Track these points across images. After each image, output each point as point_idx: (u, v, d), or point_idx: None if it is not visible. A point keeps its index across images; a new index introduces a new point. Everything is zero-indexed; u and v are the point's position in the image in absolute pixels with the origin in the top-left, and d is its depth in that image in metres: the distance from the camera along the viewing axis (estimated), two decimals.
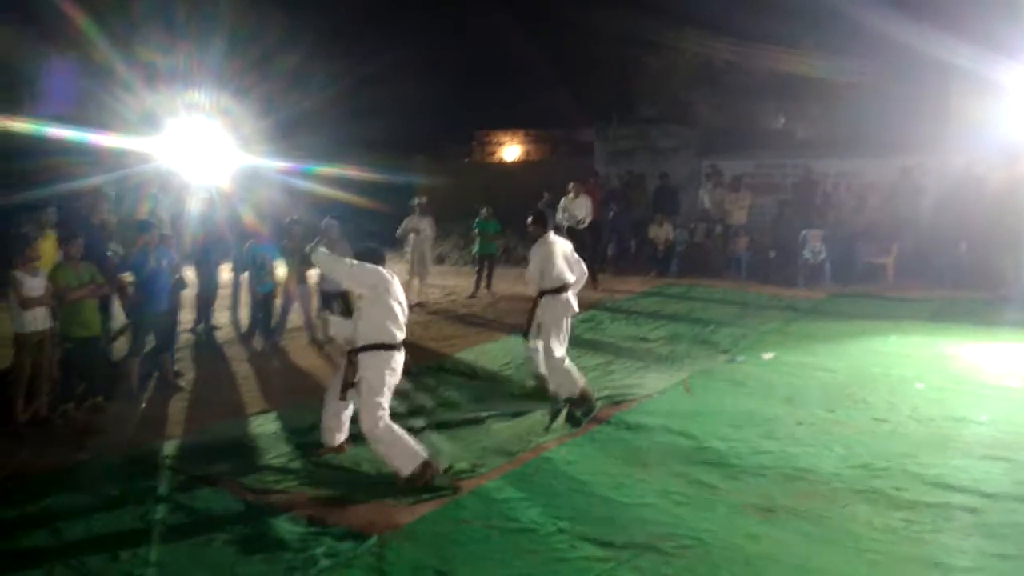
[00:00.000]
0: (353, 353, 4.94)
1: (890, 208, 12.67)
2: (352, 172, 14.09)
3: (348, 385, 4.95)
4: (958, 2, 11.71)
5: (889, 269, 11.86)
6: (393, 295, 4.92)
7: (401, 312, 4.98)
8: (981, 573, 3.72)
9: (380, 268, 4.99)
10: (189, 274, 8.25)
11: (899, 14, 11.82)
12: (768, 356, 7.75)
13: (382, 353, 4.88)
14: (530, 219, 6.63)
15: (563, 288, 6.37)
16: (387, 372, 4.88)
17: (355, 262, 5.00)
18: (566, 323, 6.43)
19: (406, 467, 4.75)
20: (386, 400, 4.90)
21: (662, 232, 13.27)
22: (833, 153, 14.15)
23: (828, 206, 13.15)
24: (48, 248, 6.81)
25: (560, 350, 6.30)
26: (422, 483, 4.71)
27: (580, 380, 6.29)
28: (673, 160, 15.27)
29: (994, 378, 6.91)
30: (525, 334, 6.65)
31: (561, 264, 6.40)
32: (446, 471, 4.93)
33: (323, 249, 5.50)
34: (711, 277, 12.53)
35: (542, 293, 6.37)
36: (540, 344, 6.44)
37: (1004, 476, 4.78)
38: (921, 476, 4.81)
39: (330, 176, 13.69)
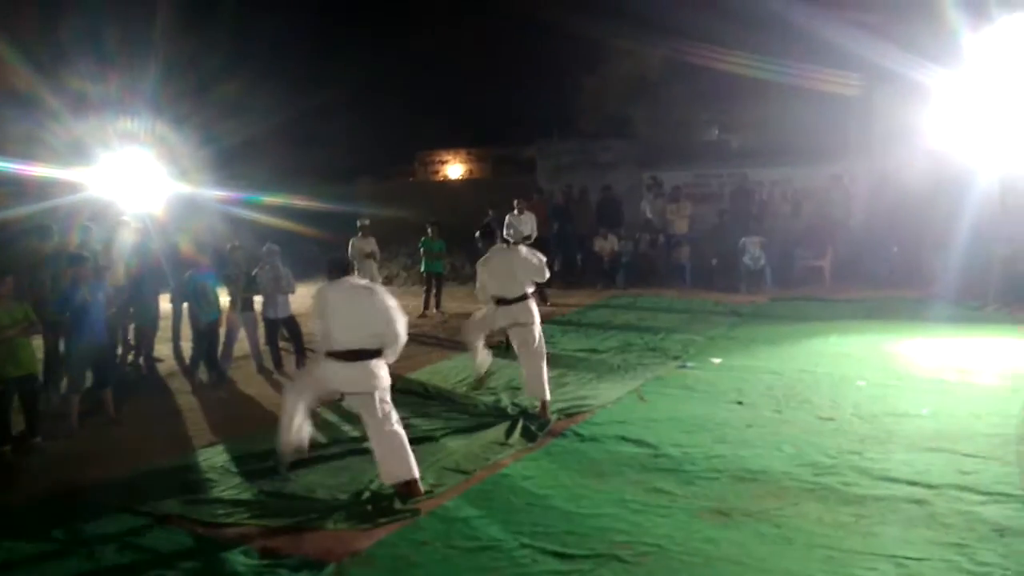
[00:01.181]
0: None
1: (823, 213, 13.10)
2: (295, 200, 13.95)
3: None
4: (881, 6, 12.18)
5: (826, 272, 12.24)
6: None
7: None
8: (930, 562, 3.83)
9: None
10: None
11: (826, 18, 12.18)
12: (716, 361, 7.90)
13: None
14: (478, 234, 6.70)
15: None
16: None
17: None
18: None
19: (398, 475, 4.80)
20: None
21: (607, 244, 13.44)
22: (767, 162, 14.57)
23: (765, 213, 13.52)
24: None
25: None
26: (405, 493, 4.78)
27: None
28: (614, 173, 15.51)
29: (931, 372, 7.16)
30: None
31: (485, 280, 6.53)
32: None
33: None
34: (657, 286, 12.74)
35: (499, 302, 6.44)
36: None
37: (946, 467, 4.94)
38: (867, 471, 4.94)
39: (272, 205, 13.53)
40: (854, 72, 13.59)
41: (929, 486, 4.66)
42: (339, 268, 5.07)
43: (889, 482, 4.76)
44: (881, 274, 11.58)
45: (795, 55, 14.14)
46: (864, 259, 12.10)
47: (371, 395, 4.83)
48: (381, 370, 4.91)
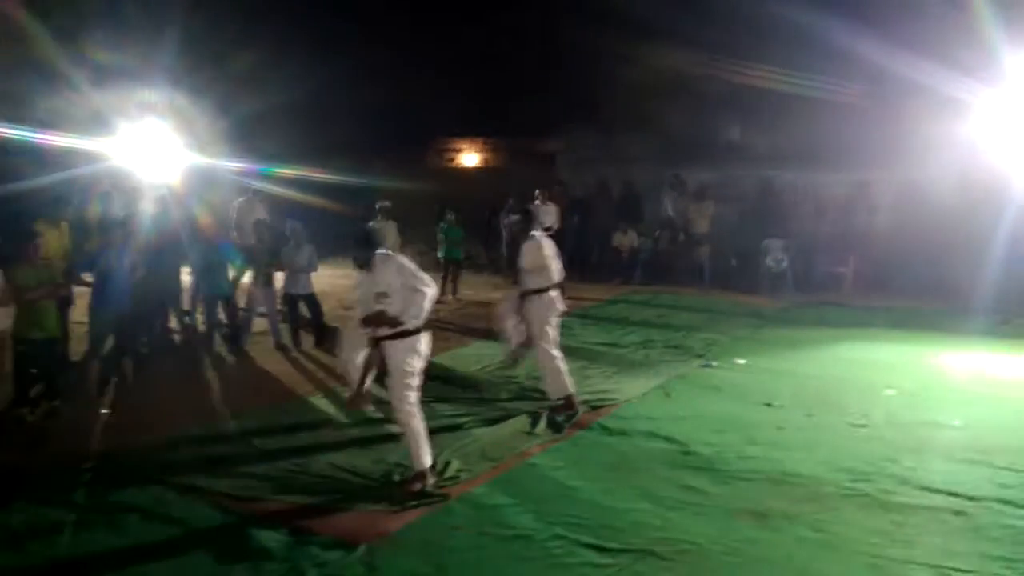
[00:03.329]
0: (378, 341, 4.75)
1: (847, 220, 12.97)
2: (312, 174, 13.82)
3: (381, 373, 4.84)
4: (916, 21, 12.03)
5: (848, 279, 12.11)
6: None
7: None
8: (976, 575, 3.74)
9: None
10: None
11: (858, 31, 12.07)
12: (741, 361, 7.79)
13: (409, 339, 4.71)
14: (517, 218, 6.56)
15: (548, 288, 6.26)
16: (412, 356, 4.72)
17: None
18: (555, 322, 6.33)
19: (416, 460, 4.70)
20: (414, 383, 4.76)
21: (626, 240, 13.33)
22: (792, 166, 14.41)
23: (788, 217, 13.39)
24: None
25: (554, 350, 6.25)
26: (412, 490, 4.58)
27: (571, 386, 6.22)
28: (636, 169, 15.36)
29: (961, 383, 7.06)
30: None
31: (550, 263, 6.26)
32: (436, 477, 4.79)
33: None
34: (675, 284, 12.61)
35: (525, 293, 6.26)
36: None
37: (985, 479, 4.84)
38: (905, 479, 4.85)
39: (289, 178, 13.39)
40: (884, 85, 13.46)
41: (970, 498, 4.56)
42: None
43: (928, 491, 4.66)
44: (905, 284, 11.45)
45: (824, 69, 14.04)
46: (888, 268, 11.97)
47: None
48: None
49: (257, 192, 10.66)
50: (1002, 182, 10.36)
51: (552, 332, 6.28)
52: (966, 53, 10.57)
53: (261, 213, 10.16)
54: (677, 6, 14.68)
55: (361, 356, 4.86)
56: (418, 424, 4.76)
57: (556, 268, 6.28)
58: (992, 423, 5.94)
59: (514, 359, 6.70)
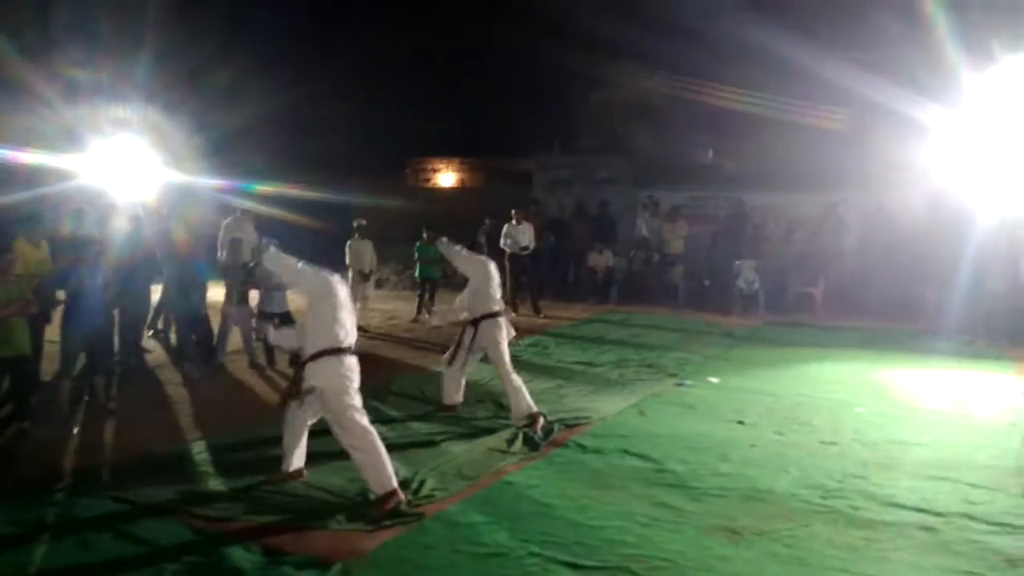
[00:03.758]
0: (301, 364, 4.79)
1: (817, 241, 13.21)
2: (289, 190, 13.78)
3: (294, 396, 4.81)
4: (883, 46, 12.38)
5: (818, 299, 12.31)
6: (338, 298, 4.81)
7: (347, 316, 4.85)
8: None
9: (323, 272, 4.90)
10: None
11: (828, 56, 12.37)
12: (714, 380, 7.89)
13: (331, 359, 4.73)
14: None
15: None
16: (342, 376, 4.73)
17: (301, 263, 4.93)
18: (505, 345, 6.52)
19: (377, 486, 4.64)
20: (356, 401, 4.76)
21: (602, 260, 13.44)
22: (762, 187, 14.66)
23: (759, 238, 13.60)
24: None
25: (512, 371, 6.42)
26: (383, 510, 4.56)
27: (532, 405, 6.30)
28: (609, 190, 15.53)
29: (928, 402, 7.21)
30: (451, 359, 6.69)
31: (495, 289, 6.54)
32: (411, 496, 4.78)
33: (272, 248, 5.19)
34: (649, 304, 12.74)
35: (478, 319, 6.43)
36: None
37: (952, 495, 4.94)
38: (874, 496, 4.93)
39: (266, 194, 13.32)
40: (851, 108, 13.77)
41: (937, 514, 4.64)
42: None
43: (896, 508, 4.74)
44: (873, 305, 11.67)
45: (793, 92, 14.35)
46: (857, 289, 12.20)
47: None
48: None
49: (246, 212, 10.58)
50: (968, 203, 10.62)
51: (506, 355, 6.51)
52: (930, 77, 10.88)
53: (249, 231, 10.08)
54: (651, 30, 14.95)
55: None
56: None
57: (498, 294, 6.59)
58: (959, 441, 6.07)
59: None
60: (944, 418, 6.72)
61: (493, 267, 6.68)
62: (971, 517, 4.59)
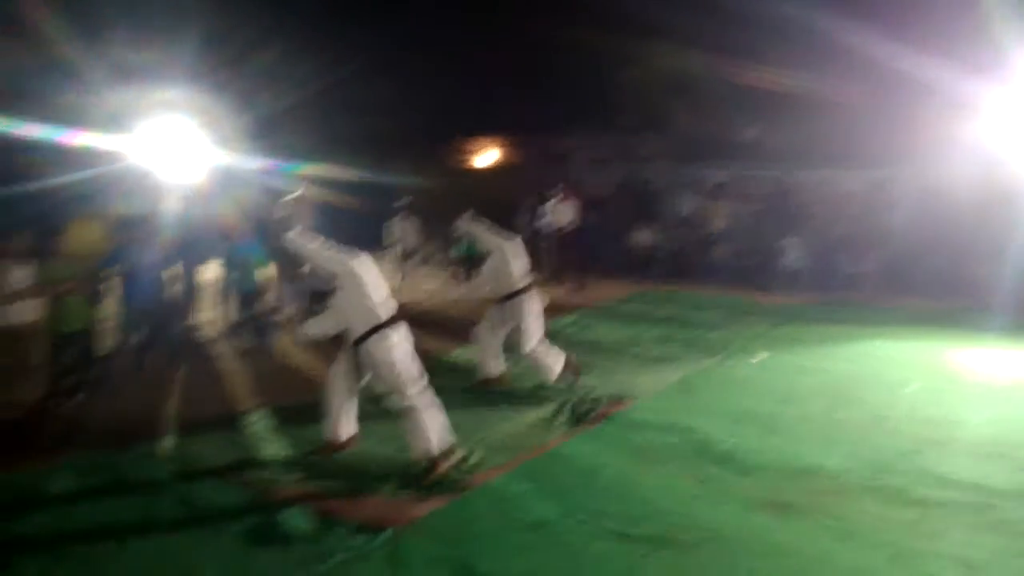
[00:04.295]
0: (352, 347, 4.88)
1: (865, 219, 12.90)
2: (334, 171, 13.91)
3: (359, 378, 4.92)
4: (932, 22, 11.97)
5: (868, 278, 12.05)
6: (363, 278, 4.85)
7: (379, 291, 4.91)
8: (1001, 569, 3.74)
9: (345, 255, 4.94)
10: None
11: (873, 32, 12.03)
12: (761, 357, 7.80)
13: (375, 336, 4.79)
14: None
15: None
16: (390, 350, 4.80)
17: (322, 246, 4.98)
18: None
19: (426, 453, 4.73)
20: (411, 369, 4.86)
21: (643, 238, 13.33)
22: (806, 165, 14.36)
23: (804, 216, 13.34)
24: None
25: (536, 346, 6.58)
26: (432, 477, 4.63)
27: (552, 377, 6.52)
28: (651, 168, 15.38)
29: (983, 380, 7.03)
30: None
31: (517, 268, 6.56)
32: (459, 463, 4.85)
33: (291, 233, 5.15)
34: (691, 282, 12.61)
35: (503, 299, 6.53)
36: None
37: (1008, 474, 4.83)
38: (927, 473, 4.85)
39: (312, 175, 13.47)
40: (900, 84, 13.38)
41: (992, 492, 4.55)
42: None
43: (950, 486, 4.65)
44: (924, 283, 11.39)
45: (843, 71, 13.98)
46: (907, 267, 11.91)
47: None
48: None
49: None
50: (1019, 179, 10.29)
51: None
52: (979, 52, 10.52)
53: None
54: (693, 8, 14.69)
55: None
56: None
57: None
58: (1015, 419, 5.92)
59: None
60: (1000, 395, 6.55)
61: (513, 245, 6.59)
62: None
